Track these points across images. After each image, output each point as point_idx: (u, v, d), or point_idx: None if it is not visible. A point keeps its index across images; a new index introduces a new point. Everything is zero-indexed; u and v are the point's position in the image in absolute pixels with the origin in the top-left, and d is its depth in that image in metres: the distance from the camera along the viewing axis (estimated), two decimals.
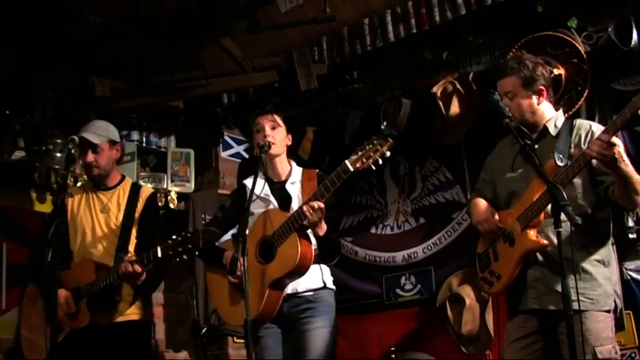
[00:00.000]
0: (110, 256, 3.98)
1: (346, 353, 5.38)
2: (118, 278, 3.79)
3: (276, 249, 3.67)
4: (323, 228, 3.62)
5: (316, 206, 3.53)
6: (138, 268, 3.73)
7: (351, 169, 3.44)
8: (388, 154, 3.40)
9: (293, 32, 5.51)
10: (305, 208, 3.55)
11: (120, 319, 3.95)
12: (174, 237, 3.66)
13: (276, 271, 3.65)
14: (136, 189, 4.22)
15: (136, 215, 4.10)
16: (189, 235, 3.64)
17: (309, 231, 3.67)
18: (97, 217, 4.11)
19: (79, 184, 5.17)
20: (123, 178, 4.28)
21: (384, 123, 3.43)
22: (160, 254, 3.67)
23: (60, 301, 3.82)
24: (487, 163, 3.75)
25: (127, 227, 4.06)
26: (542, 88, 3.44)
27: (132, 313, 4.00)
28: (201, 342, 4.86)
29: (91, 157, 4.09)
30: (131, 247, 4.03)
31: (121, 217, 4.09)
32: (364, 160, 3.41)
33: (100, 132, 4.14)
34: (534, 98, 3.44)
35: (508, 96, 3.46)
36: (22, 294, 4.28)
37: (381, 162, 3.41)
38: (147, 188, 4.32)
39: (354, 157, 3.44)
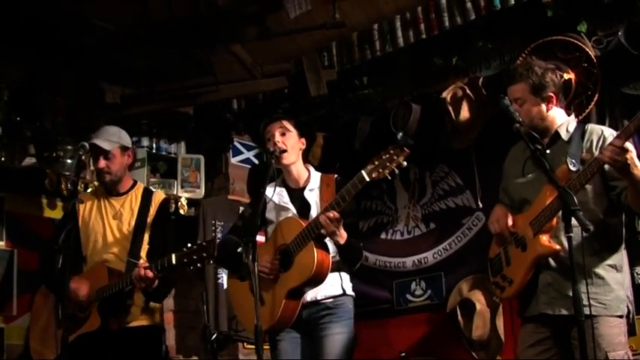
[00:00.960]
0: (122, 262, 3.98)
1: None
2: (131, 284, 3.78)
3: (294, 257, 3.67)
4: (343, 236, 3.60)
5: (332, 216, 3.51)
6: (150, 274, 3.72)
7: (367, 179, 3.40)
8: (405, 164, 3.36)
9: (302, 38, 5.51)
10: (322, 218, 3.53)
11: (131, 324, 3.94)
12: (189, 245, 3.65)
13: (293, 279, 3.64)
14: (148, 194, 4.20)
15: (149, 221, 4.09)
16: (204, 243, 3.62)
17: (327, 239, 3.66)
18: (109, 223, 4.10)
19: (89, 190, 5.19)
20: (135, 183, 4.27)
21: (400, 133, 3.39)
22: (174, 262, 3.66)
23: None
24: (503, 169, 3.73)
25: (139, 233, 4.05)
26: (552, 94, 3.42)
27: (143, 319, 4.00)
28: (212, 348, 4.84)
29: (102, 163, 4.07)
30: (143, 253, 4.02)
31: (133, 223, 4.07)
32: (380, 170, 3.36)
33: (112, 138, 4.12)
34: (543, 105, 3.43)
35: (517, 102, 3.45)
36: (32, 299, 4.28)
37: (397, 172, 3.36)
38: (159, 194, 4.29)
39: (370, 167, 3.39)
